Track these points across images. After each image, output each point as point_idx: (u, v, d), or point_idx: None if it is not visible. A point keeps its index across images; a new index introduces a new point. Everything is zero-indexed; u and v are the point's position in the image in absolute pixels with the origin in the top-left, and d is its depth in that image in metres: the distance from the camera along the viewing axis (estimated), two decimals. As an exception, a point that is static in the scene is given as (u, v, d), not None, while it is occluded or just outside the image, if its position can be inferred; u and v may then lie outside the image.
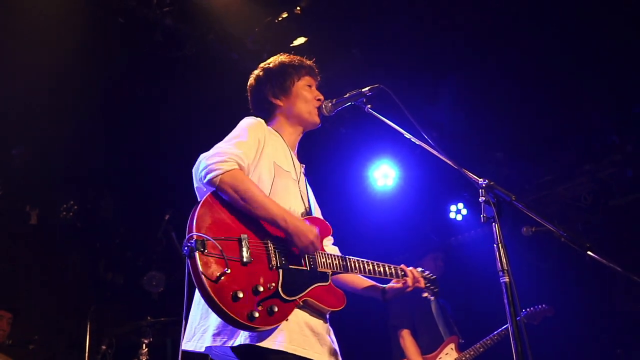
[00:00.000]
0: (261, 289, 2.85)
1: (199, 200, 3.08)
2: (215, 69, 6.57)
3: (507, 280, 2.85)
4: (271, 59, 3.69)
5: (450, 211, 8.81)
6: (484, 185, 3.01)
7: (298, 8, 6.03)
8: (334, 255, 3.31)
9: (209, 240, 2.80)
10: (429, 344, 6.36)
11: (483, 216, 2.98)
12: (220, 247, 2.80)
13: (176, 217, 7.34)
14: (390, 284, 3.60)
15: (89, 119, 6.78)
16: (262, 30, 6.20)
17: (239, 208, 2.98)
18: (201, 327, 3.03)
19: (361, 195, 8.34)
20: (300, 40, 6.20)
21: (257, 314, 2.79)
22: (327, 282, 3.19)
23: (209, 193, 3.00)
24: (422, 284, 3.62)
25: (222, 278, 2.77)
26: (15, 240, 7.50)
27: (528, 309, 6.57)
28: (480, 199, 3.00)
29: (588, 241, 3.38)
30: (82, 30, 5.82)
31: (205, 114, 6.96)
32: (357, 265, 3.38)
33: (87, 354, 6.36)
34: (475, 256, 7.37)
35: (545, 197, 8.32)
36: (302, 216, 3.31)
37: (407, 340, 6.32)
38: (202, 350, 3.01)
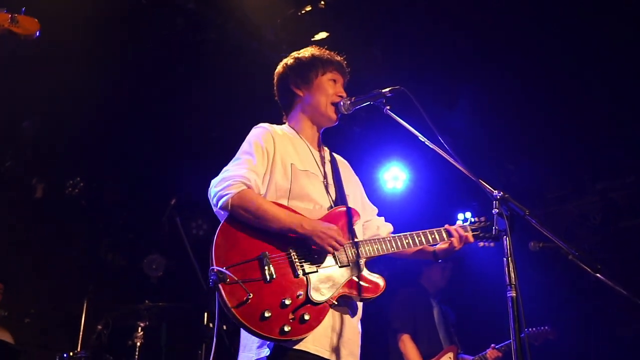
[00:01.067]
0: (288, 301, 2.92)
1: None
2: (234, 57, 6.53)
3: (514, 295, 2.80)
4: (303, 50, 3.68)
5: (458, 219, 8.70)
6: (498, 197, 2.95)
7: (322, 2, 6.00)
8: (365, 242, 3.28)
9: (226, 272, 2.86)
10: (428, 350, 6.30)
11: (495, 228, 2.93)
12: (235, 277, 2.87)
13: (182, 202, 7.30)
14: (440, 246, 3.59)
15: (102, 99, 6.75)
16: (284, 22, 6.17)
17: (255, 226, 3.03)
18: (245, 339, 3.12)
19: (369, 196, 8.26)
20: (322, 35, 6.17)
21: (288, 328, 2.87)
22: (360, 272, 3.18)
23: (225, 219, 3.06)
24: (470, 239, 3.57)
25: (247, 302, 2.84)
26: (19, 212, 7.47)
27: (530, 329, 6.50)
28: (493, 211, 2.96)
29: (598, 262, 3.34)
30: (103, 10, 5.78)
31: (221, 101, 6.92)
32: (392, 244, 3.35)
33: (82, 333, 6.35)
34: (479, 267, 7.29)
35: (554, 213, 8.23)
36: (328, 210, 3.29)
37: (407, 345, 6.26)
38: None
